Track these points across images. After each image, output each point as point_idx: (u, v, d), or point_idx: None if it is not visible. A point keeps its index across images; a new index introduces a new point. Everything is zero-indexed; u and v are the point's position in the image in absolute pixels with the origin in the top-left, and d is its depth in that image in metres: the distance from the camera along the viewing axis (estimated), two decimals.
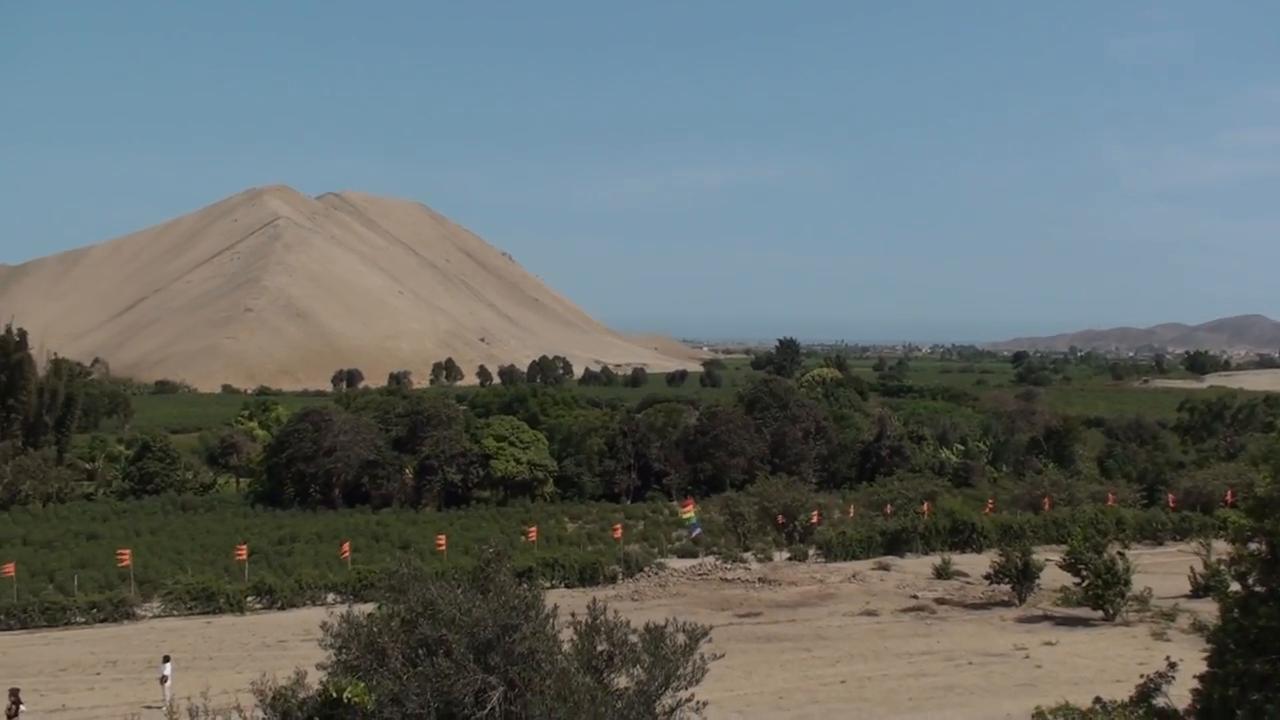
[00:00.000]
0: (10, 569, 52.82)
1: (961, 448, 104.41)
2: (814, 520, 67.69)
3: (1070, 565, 47.33)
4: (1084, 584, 46.43)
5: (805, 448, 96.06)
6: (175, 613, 49.98)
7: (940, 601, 50.32)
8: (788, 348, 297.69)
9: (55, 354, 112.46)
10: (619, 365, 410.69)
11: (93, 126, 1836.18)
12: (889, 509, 72.72)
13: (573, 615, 15.77)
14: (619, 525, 69.68)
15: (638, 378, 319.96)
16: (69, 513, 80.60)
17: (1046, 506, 71.79)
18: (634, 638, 15.55)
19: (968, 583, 54.14)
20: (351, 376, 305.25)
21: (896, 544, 64.06)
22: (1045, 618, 46.86)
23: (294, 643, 42.44)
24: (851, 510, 76.41)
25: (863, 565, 59.50)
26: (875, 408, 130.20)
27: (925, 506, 71.37)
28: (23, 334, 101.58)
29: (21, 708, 31.64)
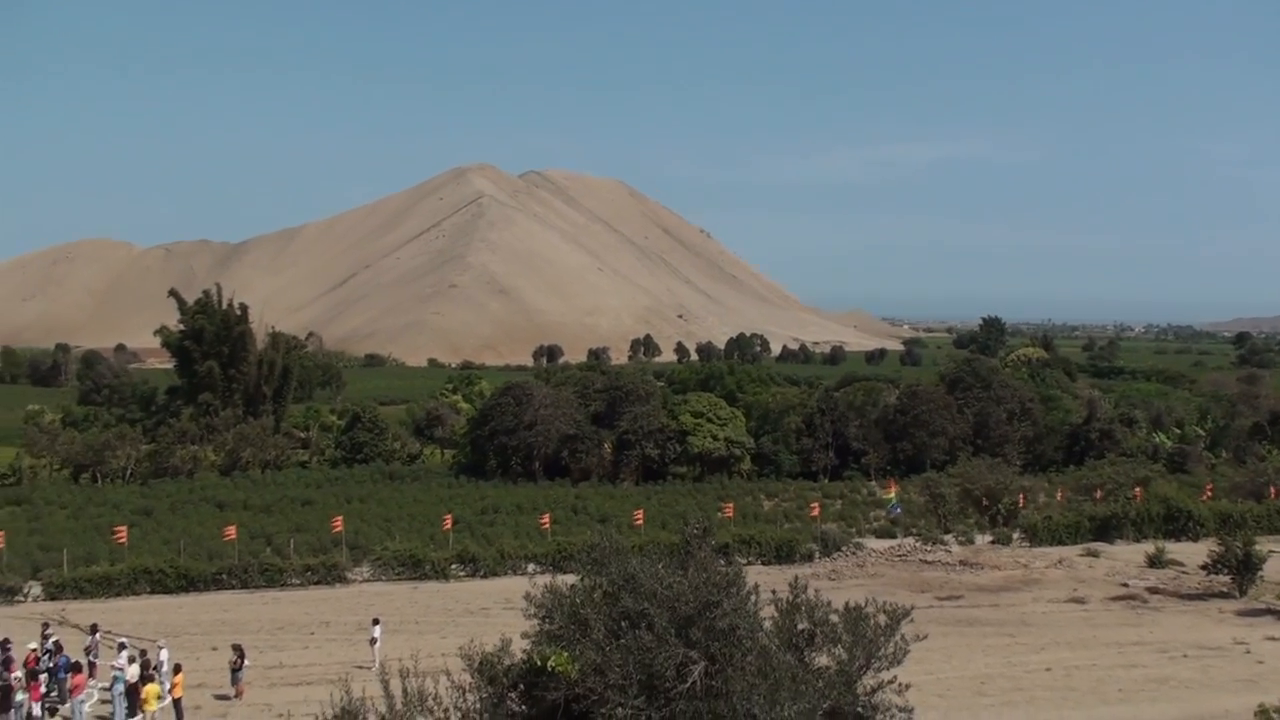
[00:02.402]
0: (232, 532, 55.51)
1: (1177, 432, 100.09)
2: (1019, 503, 65.85)
3: None
4: None
5: (1009, 429, 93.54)
6: (383, 578, 51.62)
7: (1153, 591, 48.32)
8: (992, 326, 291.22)
9: (273, 327, 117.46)
10: (817, 343, 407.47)
11: (306, 111, 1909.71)
12: (1099, 494, 70.20)
13: (773, 593, 15.58)
14: (816, 504, 69.08)
15: (836, 356, 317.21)
16: (285, 479, 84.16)
17: (1271, 495, 68.21)
18: (834, 617, 15.30)
19: (1183, 572, 51.82)
20: (552, 352, 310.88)
21: (1106, 530, 61.72)
22: (1268, 612, 44.47)
23: (496, 610, 43.37)
24: (1059, 494, 74.09)
25: (1070, 551, 57.57)
26: (1084, 389, 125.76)
27: (1137, 492, 68.65)
28: (244, 308, 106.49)
29: (245, 663, 33.18)
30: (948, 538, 60.77)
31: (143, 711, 29.61)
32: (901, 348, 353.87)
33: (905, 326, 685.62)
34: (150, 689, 29.44)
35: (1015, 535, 61.24)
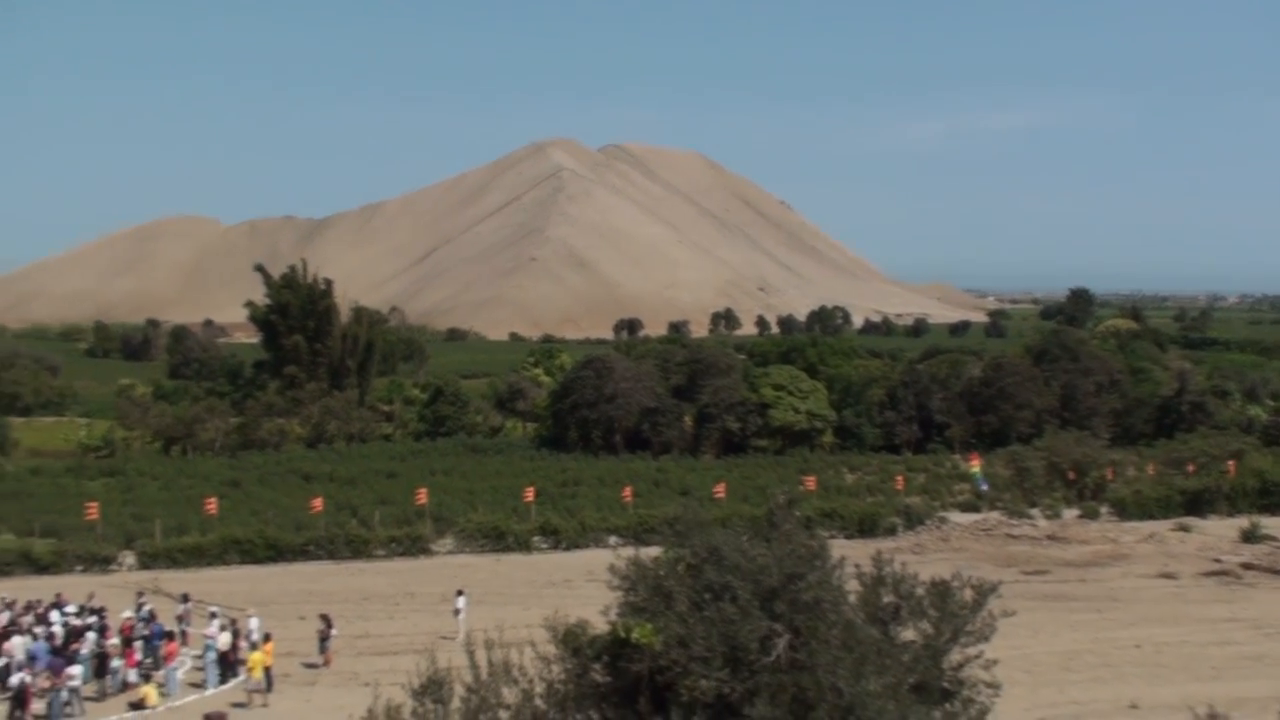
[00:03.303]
0: (318, 503, 56.40)
1: (1272, 404, 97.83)
2: (1107, 477, 64.81)
3: None
4: None
5: (1097, 401, 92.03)
6: (467, 549, 52.16)
7: (1247, 566, 47.33)
8: (1079, 297, 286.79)
9: (356, 302, 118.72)
10: (899, 315, 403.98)
11: (385, 86, 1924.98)
12: (1191, 467, 68.87)
13: (856, 566, 15.44)
14: (900, 477, 68.59)
15: (919, 328, 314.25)
16: (369, 452, 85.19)
17: None
18: (919, 591, 15.11)
19: (1278, 548, 50.70)
20: (632, 325, 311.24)
21: (1198, 504, 60.60)
22: None
23: (578, 582, 43.63)
24: (1149, 468, 72.81)
25: (1160, 526, 56.57)
26: (1175, 360, 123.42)
27: (1231, 466, 67.27)
28: (328, 283, 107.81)
29: (332, 632, 33.74)
30: (1034, 512, 60.08)
31: (249, 677, 30.26)
32: (986, 320, 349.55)
33: (990, 298, 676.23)
34: (255, 656, 30.05)
35: (1103, 509, 60.41)
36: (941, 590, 15.02)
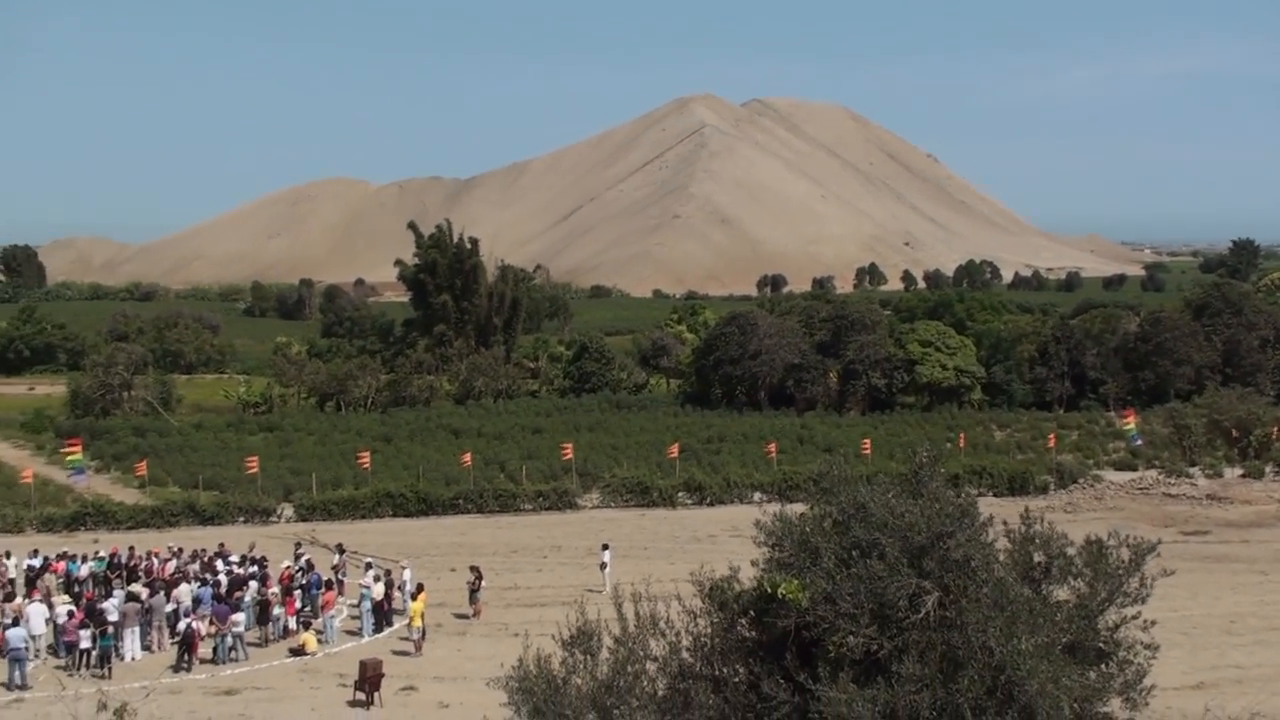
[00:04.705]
0: (467, 458, 57.54)
1: None
2: (1272, 435, 62.43)
3: None
4: None
5: (1262, 357, 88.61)
6: (612, 504, 52.67)
7: None
8: (1243, 249, 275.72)
9: (502, 261, 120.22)
10: (1051, 269, 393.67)
11: (532, 44, 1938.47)
12: None
13: (1004, 523, 15.15)
14: (1052, 434, 67.08)
15: (1071, 282, 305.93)
16: (516, 408, 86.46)
17: None
18: (1072, 550, 14.75)
19: None
20: (775, 281, 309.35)
21: None
22: None
23: (723, 538, 43.73)
24: None
25: None
26: None
27: None
28: (474, 242, 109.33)
29: (482, 584, 34.44)
30: (1193, 471, 58.22)
31: (411, 625, 31.07)
32: (1142, 273, 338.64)
33: (1146, 250, 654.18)
34: (416, 605, 30.83)
35: (1268, 469, 58.20)
36: (1096, 549, 14.66)
